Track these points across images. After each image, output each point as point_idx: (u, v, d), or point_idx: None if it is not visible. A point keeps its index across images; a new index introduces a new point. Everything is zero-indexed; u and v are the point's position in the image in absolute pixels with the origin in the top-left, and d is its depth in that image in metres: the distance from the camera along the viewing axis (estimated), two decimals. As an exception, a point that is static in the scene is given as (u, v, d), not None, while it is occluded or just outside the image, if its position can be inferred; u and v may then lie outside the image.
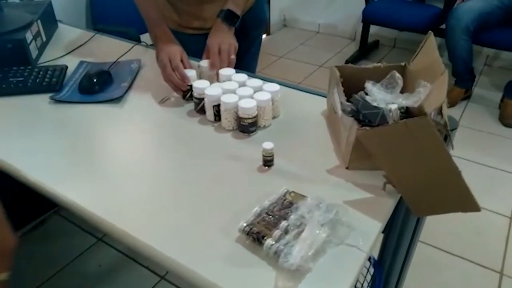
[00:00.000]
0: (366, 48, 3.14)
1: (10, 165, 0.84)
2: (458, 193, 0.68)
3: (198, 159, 0.85)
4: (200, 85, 0.94)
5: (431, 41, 0.83)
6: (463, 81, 2.53)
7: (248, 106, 0.87)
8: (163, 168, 0.84)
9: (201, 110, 0.96)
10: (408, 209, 0.84)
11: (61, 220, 1.69)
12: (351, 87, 0.86)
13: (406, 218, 0.92)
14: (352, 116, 0.76)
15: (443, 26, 2.51)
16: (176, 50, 1.05)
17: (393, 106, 0.74)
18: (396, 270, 1.09)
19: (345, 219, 0.67)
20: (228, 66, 1.05)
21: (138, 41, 1.78)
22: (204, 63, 1.05)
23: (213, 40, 1.08)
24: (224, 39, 1.08)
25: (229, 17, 1.12)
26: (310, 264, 0.60)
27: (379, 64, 0.92)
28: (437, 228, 1.65)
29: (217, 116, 0.93)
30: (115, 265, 1.55)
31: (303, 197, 0.71)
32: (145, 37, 2.05)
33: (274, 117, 0.96)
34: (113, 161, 0.86)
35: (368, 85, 0.85)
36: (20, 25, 1.20)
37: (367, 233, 0.67)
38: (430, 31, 0.86)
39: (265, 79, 1.00)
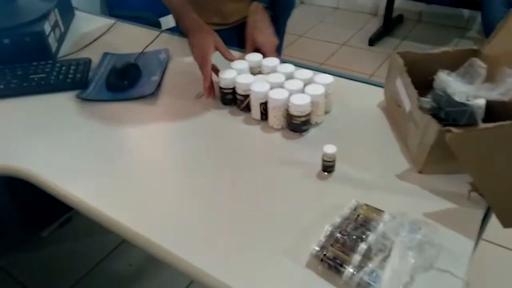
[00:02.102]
0: (390, 24, 2.98)
1: (37, 176, 0.76)
2: None
3: (246, 164, 0.76)
4: (244, 81, 0.84)
5: (517, 21, 0.72)
6: None
7: (301, 103, 0.77)
8: (206, 175, 0.74)
9: (246, 108, 0.86)
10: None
11: (87, 217, 1.63)
12: (415, 75, 0.76)
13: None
14: (430, 114, 0.66)
15: (478, -3, 2.34)
16: (208, 44, 0.91)
17: (481, 101, 0.64)
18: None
19: (432, 238, 0.58)
20: None
21: (157, 25, 1.68)
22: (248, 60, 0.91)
23: (267, 38, 0.96)
24: (274, 37, 0.98)
25: (271, 7, 1.00)
26: (401, 296, 0.51)
27: (447, 48, 0.81)
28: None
29: (264, 114, 0.83)
30: (146, 264, 1.49)
31: (378, 211, 0.62)
32: (165, 21, 1.93)
33: (326, 112, 0.86)
34: (149, 167, 0.77)
35: (443, 76, 0.73)
36: (37, 16, 1.09)
37: (458, 254, 0.58)
38: (511, 8, 0.74)
39: (317, 69, 0.89)
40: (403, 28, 3.08)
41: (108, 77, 0.98)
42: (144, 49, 1.11)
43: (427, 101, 0.66)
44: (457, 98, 0.64)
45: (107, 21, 1.30)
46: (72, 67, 1.02)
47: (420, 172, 0.71)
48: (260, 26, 0.97)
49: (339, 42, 2.93)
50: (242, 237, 0.63)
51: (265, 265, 0.59)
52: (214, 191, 0.71)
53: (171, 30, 1.24)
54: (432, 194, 0.67)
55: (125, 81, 0.98)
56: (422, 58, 0.81)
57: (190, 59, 1.08)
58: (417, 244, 0.56)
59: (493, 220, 0.65)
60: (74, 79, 0.99)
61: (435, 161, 0.68)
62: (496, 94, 0.67)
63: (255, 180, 0.72)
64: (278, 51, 1.37)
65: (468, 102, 0.62)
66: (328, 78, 0.83)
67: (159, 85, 0.98)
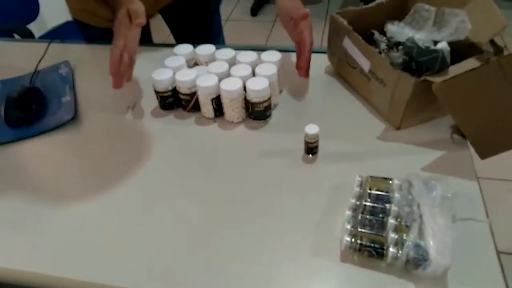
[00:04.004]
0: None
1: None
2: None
3: (221, 171, 0.67)
4: (186, 77, 0.73)
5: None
6: None
7: (260, 87, 0.69)
8: (175, 197, 0.63)
9: (193, 108, 0.76)
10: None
11: None
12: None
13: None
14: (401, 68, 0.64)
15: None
16: (122, 14, 0.72)
17: (445, 44, 0.64)
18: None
19: (445, 191, 0.57)
20: None
21: (29, 35, 1.42)
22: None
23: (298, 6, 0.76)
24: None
25: None
26: (449, 260, 0.49)
27: (381, 0, 0.80)
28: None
29: (218, 110, 0.74)
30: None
31: (385, 180, 0.59)
32: (37, 27, 1.65)
33: (280, 92, 0.80)
34: (96, 214, 0.63)
35: (391, 27, 0.73)
36: None
37: (470, 197, 0.58)
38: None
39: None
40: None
41: (6, 111, 0.78)
42: (37, 66, 0.91)
43: (396, 56, 0.64)
44: (422, 45, 0.63)
45: (-31, 44, 1.04)
46: (-51, 111, 0.79)
47: (398, 128, 0.70)
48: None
49: (223, 18, 2.85)
50: (256, 255, 0.55)
51: (297, 274, 0.52)
52: (194, 215, 0.60)
53: (58, 37, 1.03)
54: (418, 147, 0.67)
55: (30, 111, 0.79)
56: (358, 14, 0.78)
57: (102, 65, 0.92)
58: (439, 202, 0.54)
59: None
60: (-42, 125, 0.77)
61: (412, 114, 0.67)
62: (447, 34, 0.68)
63: (239, 187, 0.64)
64: (219, 43, 1.24)
65: (438, 48, 0.62)
66: (275, 55, 0.77)
67: (76, 105, 0.81)
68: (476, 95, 0.59)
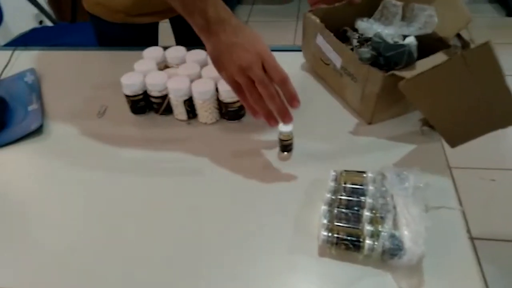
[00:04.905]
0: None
1: None
2: (503, 111, 0.64)
3: (196, 173, 0.66)
4: (157, 80, 0.72)
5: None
6: None
7: (232, 87, 0.69)
8: (156, 203, 0.63)
9: (166, 110, 0.75)
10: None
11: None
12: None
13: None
14: (370, 64, 0.65)
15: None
16: (263, 43, 0.60)
17: (412, 39, 0.65)
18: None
19: (418, 181, 0.58)
20: None
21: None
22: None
23: None
24: None
25: None
26: (423, 249, 0.50)
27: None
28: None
29: (190, 111, 0.73)
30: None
31: (359, 173, 0.60)
32: (1, 35, 1.60)
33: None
34: (69, 224, 0.62)
35: (361, 23, 0.74)
36: None
37: (442, 186, 0.60)
38: None
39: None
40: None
41: (-31, 122, 0.75)
42: (1, 75, 0.88)
43: (365, 51, 0.65)
44: (391, 41, 0.65)
45: None
46: None
47: (369, 123, 0.71)
48: None
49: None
50: (234, 253, 0.54)
51: (277, 271, 0.52)
52: (170, 217, 0.60)
53: (23, 44, 1.00)
54: (389, 141, 0.68)
55: (-4, 120, 0.76)
56: (331, 12, 0.79)
57: (70, 71, 0.90)
58: (412, 192, 0.55)
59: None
60: None
61: (382, 109, 0.69)
62: (416, 29, 0.70)
63: (216, 188, 0.63)
64: None
65: (405, 42, 0.63)
66: (247, 54, 0.76)
67: (43, 113, 0.79)
68: (442, 88, 0.60)
